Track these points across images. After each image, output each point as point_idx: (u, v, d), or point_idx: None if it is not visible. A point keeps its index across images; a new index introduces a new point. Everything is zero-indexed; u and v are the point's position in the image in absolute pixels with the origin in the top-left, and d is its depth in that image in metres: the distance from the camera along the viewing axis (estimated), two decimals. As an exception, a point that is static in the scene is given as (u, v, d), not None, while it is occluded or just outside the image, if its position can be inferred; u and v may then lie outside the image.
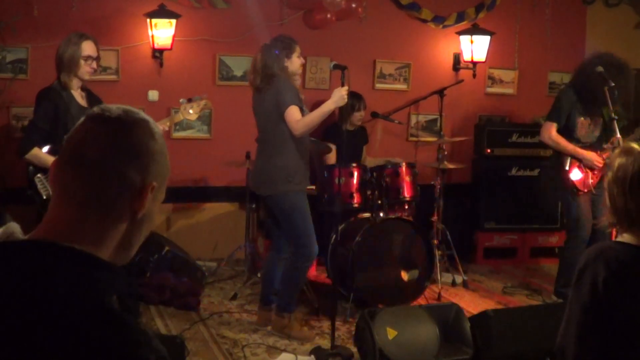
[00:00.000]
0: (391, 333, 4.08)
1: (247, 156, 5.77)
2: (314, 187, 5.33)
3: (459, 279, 6.07)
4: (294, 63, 4.68)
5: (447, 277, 6.07)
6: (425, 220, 5.93)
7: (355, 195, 5.27)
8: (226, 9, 6.40)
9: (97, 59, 4.51)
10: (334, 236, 5.14)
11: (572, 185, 5.40)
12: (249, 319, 5.08)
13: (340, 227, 5.12)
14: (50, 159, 4.32)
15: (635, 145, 2.37)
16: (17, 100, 5.79)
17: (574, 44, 7.33)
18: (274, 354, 4.47)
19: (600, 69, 5.24)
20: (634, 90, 6.50)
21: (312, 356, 4.37)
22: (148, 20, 5.99)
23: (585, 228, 5.39)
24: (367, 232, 5.21)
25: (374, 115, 6.47)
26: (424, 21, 7.00)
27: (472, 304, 5.55)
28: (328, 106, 4.51)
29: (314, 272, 6.11)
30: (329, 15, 6.42)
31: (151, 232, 1.55)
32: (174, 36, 6.05)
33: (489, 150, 6.89)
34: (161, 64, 6.25)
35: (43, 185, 4.35)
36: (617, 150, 2.42)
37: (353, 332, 4.43)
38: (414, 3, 6.90)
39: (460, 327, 4.22)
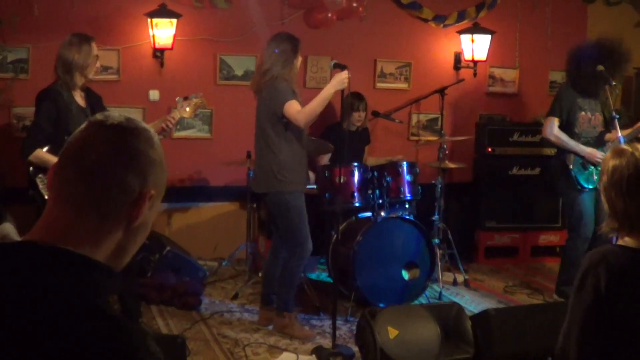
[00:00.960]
0: (392, 332, 4.08)
1: (248, 156, 5.77)
2: (314, 186, 5.33)
3: (460, 278, 6.07)
4: (299, 62, 4.70)
5: (448, 276, 6.06)
6: (426, 219, 5.92)
7: (356, 194, 5.27)
8: (227, 9, 6.40)
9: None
10: (335, 235, 5.14)
11: (576, 183, 5.40)
12: (250, 318, 5.08)
13: (341, 227, 5.12)
14: (53, 159, 4.33)
15: (626, 147, 2.36)
16: (18, 100, 5.80)
17: (574, 43, 7.31)
18: (275, 354, 4.47)
19: (601, 67, 5.26)
20: (635, 87, 6.51)
21: (314, 355, 4.37)
22: (149, 19, 5.99)
23: (587, 226, 5.40)
24: (368, 232, 5.21)
25: (375, 114, 6.47)
26: (425, 20, 7.00)
27: (473, 303, 5.55)
28: (328, 90, 4.52)
29: (315, 271, 6.12)
30: (329, 15, 6.42)
31: (152, 231, 1.55)
32: (174, 36, 6.05)
33: (489, 149, 6.88)
34: (162, 64, 6.25)
35: (44, 186, 4.35)
36: (608, 154, 2.40)
37: (354, 332, 4.43)
38: (415, 2, 6.89)
39: (461, 326, 4.22)
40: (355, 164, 5.41)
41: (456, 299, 5.46)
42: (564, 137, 5.39)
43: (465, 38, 6.96)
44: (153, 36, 6.03)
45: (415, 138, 7.07)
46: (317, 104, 4.50)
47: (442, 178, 6.01)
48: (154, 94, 6.29)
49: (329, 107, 4.98)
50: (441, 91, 6.28)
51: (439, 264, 5.66)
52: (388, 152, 6.63)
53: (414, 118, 7.09)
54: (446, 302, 5.21)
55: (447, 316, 4.26)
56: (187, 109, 4.64)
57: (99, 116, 1.31)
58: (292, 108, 4.49)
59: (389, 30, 6.91)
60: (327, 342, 4.56)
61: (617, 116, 5.23)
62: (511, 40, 7.28)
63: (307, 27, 6.47)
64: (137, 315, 4.65)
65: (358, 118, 6.28)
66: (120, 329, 1.13)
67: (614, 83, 5.27)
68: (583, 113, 5.45)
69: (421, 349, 4.11)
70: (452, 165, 6.08)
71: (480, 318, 4.22)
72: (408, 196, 5.45)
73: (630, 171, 2.27)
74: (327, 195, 5.21)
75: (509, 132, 6.95)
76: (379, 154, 6.68)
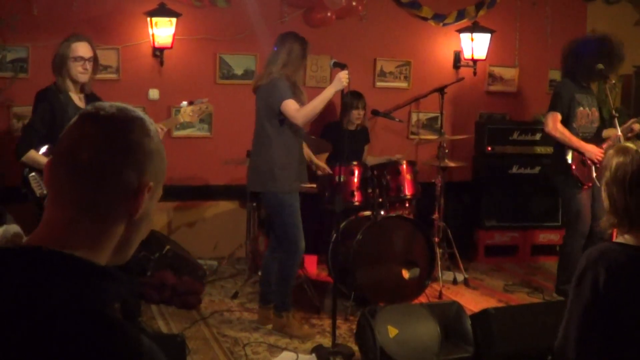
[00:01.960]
0: (392, 331, 4.08)
1: (248, 155, 5.75)
2: (314, 185, 5.33)
3: (460, 277, 6.07)
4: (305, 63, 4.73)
5: (448, 275, 6.06)
6: (426, 218, 5.93)
7: (356, 193, 5.27)
8: (226, 8, 6.39)
9: (92, 59, 4.45)
10: (335, 234, 5.14)
11: (575, 179, 5.40)
12: (250, 317, 5.08)
13: (341, 225, 5.12)
14: (45, 161, 4.32)
15: (630, 145, 2.38)
16: (17, 99, 5.79)
17: (572, 38, 7.31)
18: (275, 353, 4.47)
19: (600, 66, 5.27)
20: (635, 85, 6.52)
21: (313, 355, 4.37)
22: (148, 18, 5.99)
23: (584, 222, 5.42)
24: (368, 231, 5.21)
25: (375, 113, 6.46)
26: (425, 19, 6.99)
27: (473, 302, 5.54)
28: (328, 90, 4.53)
29: (315, 270, 6.12)
30: (329, 14, 6.41)
31: (152, 230, 1.54)
32: (174, 35, 6.05)
33: (489, 148, 6.88)
34: (161, 63, 6.25)
35: (37, 183, 4.35)
36: (611, 151, 2.42)
37: (354, 331, 4.44)
38: (414, 1, 6.89)
39: (461, 325, 4.22)
40: (355, 163, 5.41)
41: (456, 298, 5.45)
42: (567, 133, 5.39)
43: (464, 37, 6.96)
44: (153, 35, 6.02)
45: (415, 137, 7.07)
46: (317, 103, 4.51)
47: (442, 177, 6.01)
48: (154, 93, 6.29)
49: (328, 106, 4.97)
50: (441, 90, 6.27)
51: (439, 262, 5.66)
52: (388, 151, 6.63)
53: (414, 117, 7.09)
54: (446, 301, 5.21)
55: (447, 315, 4.27)
56: (191, 114, 4.63)
57: (89, 108, 1.26)
58: (290, 106, 4.50)
59: (389, 29, 6.91)
60: (327, 341, 4.56)
61: (617, 115, 5.23)
62: (511, 39, 7.28)
63: (306, 26, 6.46)
64: (137, 315, 4.65)
65: (357, 116, 6.28)
66: (125, 335, 1.11)
67: (614, 81, 5.28)
68: (581, 108, 5.46)
69: (421, 348, 4.11)
70: (451, 164, 6.07)
71: (480, 317, 4.22)
72: (408, 195, 5.45)
73: (633, 169, 2.30)
74: (326, 194, 5.21)
75: (509, 131, 6.95)
76: (379, 152, 6.68)
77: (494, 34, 6.89)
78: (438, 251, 5.67)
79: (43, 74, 4.97)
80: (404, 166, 5.45)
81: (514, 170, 6.93)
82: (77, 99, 4.47)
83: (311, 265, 6.03)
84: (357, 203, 5.31)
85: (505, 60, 7.33)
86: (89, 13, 5.95)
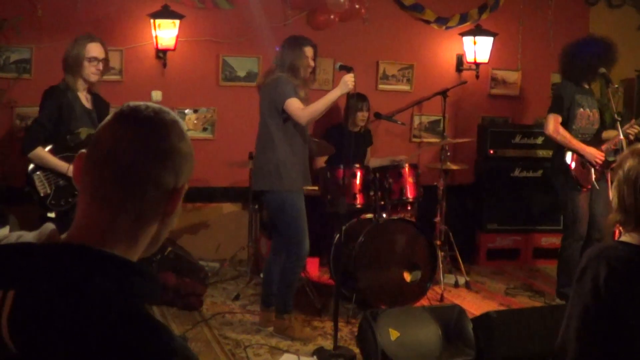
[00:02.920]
0: (394, 334, 4.09)
1: (250, 157, 5.77)
2: (316, 187, 5.34)
3: (461, 280, 6.07)
4: (308, 63, 4.71)
5: (450, 278, 6.06)
6: (428, 221, 5.93)
7: (358, 196, 5.27)
8: (230, 10, 6.40)
9: (105, 60, 4.50)
10: (337, 237, 5.14)
11: (575, 181, 5.41)
12: (252, 319, 5.08)
13: (343, 228, 5.13)
14: (53, 160, 4.33)
15: None
16: (20, 100, 5.81)
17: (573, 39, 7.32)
18: (277, 355, 4.47)
19: (603, 70, 5.28)
20: (637, 89, 6.53)
21: (315, 357, 4.37)
22: (152, 20, 6.00)
23: (582, 224, 5.43)
24: (370, 233, 5.22)
25: (377, 116, 6.47)
26: (427, 22, 7.00)
27: (474, 305, 5.55)
28: (334, 93, 4.53)
29: (317, 272, 6.12)
30: (332, 16, 6.42)
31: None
32: (177, 36, 6.06)
33: (491, 152, 6.89)
34: (164, 65, 6.26)
35: (41, 183, 4.35)
36: (626, 152, 2.47)
37: (355, 333, 4.44)
38: (417, 4, 6.90)
39: (462, 328, 4.22)
40: (357, 165, 5.41)
41: (457, 301, 5.46)
42: (567, 136, 5.40)
43: (467, 40, 6.96)
44: (156, 37, 6.04)
45: (417, 140, 7.07)
46: (321, 104, 4.51)
47: (444, 180, 6.01)
48: (157, 95, 6.26)
49: (332, 108, 4.98)
50: (443, 93, 6.28)
51: (441, 265, 5.67)
52: (390, 154, 6.63)
53: (416, 120, 7.09)
54: (447, 304, 5.21)
55: (449, 318, 4.27)
56: (195, 122, 4.64)
57: (126, 109, 1.28)
58: (294, 104, 4.50)
59: (392, 32, 6.92)
60: (328, 344, 4.56)
61: (620, 118, 5.24)
62: (513, 43, 7.28)
63: (309, 29, 6.47)
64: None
65: (362, 118, 6.29)
66: (159, 334, 1.14)
67: (616, 85, 5.28)
68: (581, 109, 5.47)
69: (422, 350, 4.11)
70: (454, 167, 6.08)
71: (482, 320, 4.22)
72: (410, 198, 5.45)
73: None
74: (329, 196, 5.21)
75: (511, 134, 6.96)
76: (381, 155, 6.69)
77: (497, 37, 6.90)
78: (440, 254, 5.68)
79: (46, 75, 4.99)
80: (406, 169, 5.46)
81: (516, 173, 6.93)
82: (84, 99, 4.50)
83: (313, 268, 6.04)
84: (359, 206, 5.31)
85: (507, 63, 7.34)
86: (92, 14, 5.96)
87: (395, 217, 5.39)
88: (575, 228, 5.45)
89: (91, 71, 4.43)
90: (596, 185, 5.38)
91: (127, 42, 6.16)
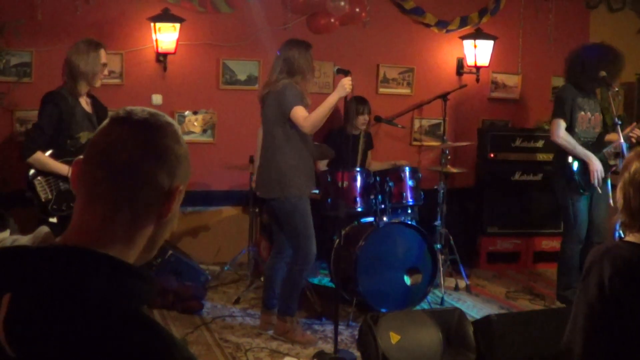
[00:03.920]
0: (394, 337, 4.08)
1: (251, 160, 5.78)
2: (316, 191, 5.33)
3: (462, 283, 6.07)
4: (312, 69, 4.73)
5: (450, 282, 6.06)
6: (428, 224, 5.92)
7: (358, 199, 5.27)
8: (230, 14, 6.41)
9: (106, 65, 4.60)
10: (338, 240, 5.14)
11: (577, 185, 5.40)
12: (252, 323, 5.08)
13: (343, 232, 5.12)
14: (54, 163, 4.34)
15: None
16: (21, 103, 5.81)
17: (577, 45, 7.33)
18: (277, 358, 4.47)
19: (603, 73, 5.28)
20: (637, 93, 6.53)
21: (315, 360, 4.37)
22: (152, 24, 6.00)
23: (582, 228, 5.44)
24: (371, 237, 5.21)
25: (378, 119, 6.48)
26: (428, 26, 7.01)
27: (475, 308, 5.54)
28: (332, 97, 4.53)
29: (317, 276, 6.12)
30: (332, 20, 6.42)
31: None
32: (177, 40, 6.07)
33: (492, 155, 6.88)
34: (165, 68, 6.26)
35: (42, 188, 4.35)
36: (632, 154, 2.48)
37: (356, 337, 4.43)
38: (418, 7, 6.91)
39: (463, 331, 4.21)
40: (358, 168, 5.41)
41: (458, 305, 5.45)
42: (572, 141, 5.39)
43: (467, 43, 6.97)
44: (156, 41, 6.04)
45: (418, 143, 7.07)
46: (322, 111, 4.51)
47: (445, 183, 6.01)
48: (157, 99, 6.30)
49: (333, 113, 4.98)
50: (444, 96, 6.28)
51: (441, 269, 5.66)
52: (390, 158, 6.63)
53: (417, 123, 7.09)
54: (448, 307, 5.21)
55: (449, 322, 4.26)
56: (196, 123, 4.65)
57: (122, 112, 1.30)
58: (299, 113, 4.50)
59: (392, 36, 6.92)
60: (329, 347, 4.56)
61: (620, 122, 5.23)
62: (514, 46, 7.29)
63: (310, 33, 6.47)
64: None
65: (363, 121, 6.28)
66: (159, 334, 1.14)
67: (617, 89, 5.28)
68: (583, 113, 5.47)
69: (423, 354, 4.10)
70: (454, 171, 6.08)
71: (482, 324, 4.22)
72: (410, 201, 5.45)
73: None
74: (329, 200, 5.21)
75: (511, 138, 6.95)
76: (382, 159, 6.69)
77: (497, 40, 6.91)
78: (440, 257, 5.67)
79: (46, 78, 5.00)
80: (407, 172, 5.45)
81: (517, 176, 6.93)
82: (85, 103, 4.54)
83: (313, 271, 6.03)
84: (359, 209, 5.31)
85: (508, 67, 7.34)
86: (93, 18, 5.97)
87: (396, 221, 5.38)
88: (575, 231, 5.45)
89: (100, 77, 4.52)
90: (599, 189, 5.37)
91: (127, 46, 6.16)
